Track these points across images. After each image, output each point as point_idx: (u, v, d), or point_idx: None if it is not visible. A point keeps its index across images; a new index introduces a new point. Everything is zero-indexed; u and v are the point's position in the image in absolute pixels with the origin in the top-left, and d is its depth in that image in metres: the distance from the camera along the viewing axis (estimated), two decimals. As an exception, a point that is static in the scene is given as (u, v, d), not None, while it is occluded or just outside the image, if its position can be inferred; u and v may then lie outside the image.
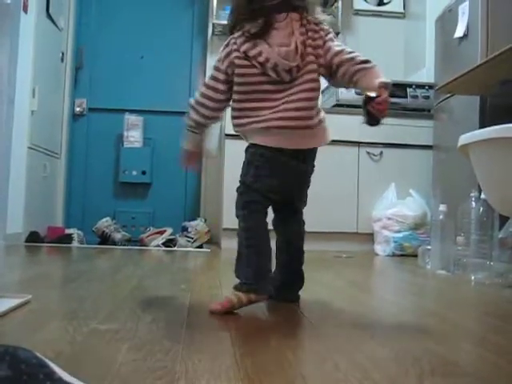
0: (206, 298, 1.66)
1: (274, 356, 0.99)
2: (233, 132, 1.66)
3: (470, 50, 2.93)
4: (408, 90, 4.00)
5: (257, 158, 1.53)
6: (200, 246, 3.83)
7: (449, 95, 3.26)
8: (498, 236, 2.33)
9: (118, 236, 3.95)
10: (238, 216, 1.54)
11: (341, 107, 3.92)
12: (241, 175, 1.57)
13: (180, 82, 4.53)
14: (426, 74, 4.13)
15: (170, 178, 4.48)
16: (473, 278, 2.33)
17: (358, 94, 3.97)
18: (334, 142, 4.51)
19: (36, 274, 2.18)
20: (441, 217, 2.65)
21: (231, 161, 3.55)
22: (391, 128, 3.91)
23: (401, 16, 4.70)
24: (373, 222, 3.80)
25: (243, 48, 1.49)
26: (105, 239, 3.94)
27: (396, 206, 3.71)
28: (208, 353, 0.98)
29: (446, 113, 3.40)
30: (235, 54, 1.51)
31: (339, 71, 1.52)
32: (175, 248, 3.71)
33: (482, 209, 2.39)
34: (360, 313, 1.50)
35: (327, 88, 4.20)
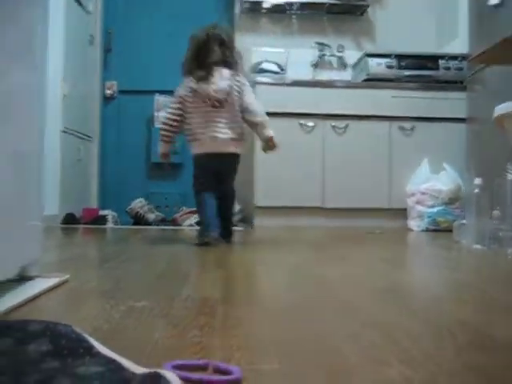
0: (240, 274, 1.67)
1: (308, 330, 1.00)
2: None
3: (506, 18, 2.83)
4: (440, 61, 3.91)
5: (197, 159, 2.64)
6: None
7: (483, 66, 3.17)
8: (535, 209, 2.28)
9: (151, 216, 4.00)
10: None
11: (371, 81, 3.86)
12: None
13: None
14: (459, 44, 4.03)
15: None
16: (509, 251, 2.29)
17: (389, 67, 3.89)
18: (365, 117, 4.45)
19: (73, 255, 2.23)
20: (476, 190, 2.60)
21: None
22: (423, 101, 3.84)
23: (432, -15, 4.57)
24: (406, 197, 3.76)
25: (190, 85, 2.55)
26: (138, 220, 3.99)
27: (430, 181, 3.67)
28: (243, 328, 0.99)
29: (480, 84, 3.31)
30: (186, 89, 2.56)
31: (244, 115, 2.60)
32: (208, 227, 3.72)
33: (518, 181, 2.33)
34: (395, 288, 1.49)
35: (358, 62, 4.14)
